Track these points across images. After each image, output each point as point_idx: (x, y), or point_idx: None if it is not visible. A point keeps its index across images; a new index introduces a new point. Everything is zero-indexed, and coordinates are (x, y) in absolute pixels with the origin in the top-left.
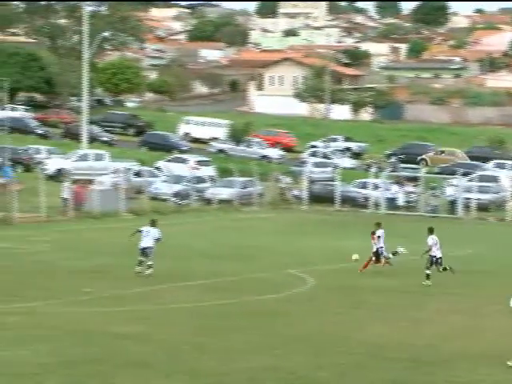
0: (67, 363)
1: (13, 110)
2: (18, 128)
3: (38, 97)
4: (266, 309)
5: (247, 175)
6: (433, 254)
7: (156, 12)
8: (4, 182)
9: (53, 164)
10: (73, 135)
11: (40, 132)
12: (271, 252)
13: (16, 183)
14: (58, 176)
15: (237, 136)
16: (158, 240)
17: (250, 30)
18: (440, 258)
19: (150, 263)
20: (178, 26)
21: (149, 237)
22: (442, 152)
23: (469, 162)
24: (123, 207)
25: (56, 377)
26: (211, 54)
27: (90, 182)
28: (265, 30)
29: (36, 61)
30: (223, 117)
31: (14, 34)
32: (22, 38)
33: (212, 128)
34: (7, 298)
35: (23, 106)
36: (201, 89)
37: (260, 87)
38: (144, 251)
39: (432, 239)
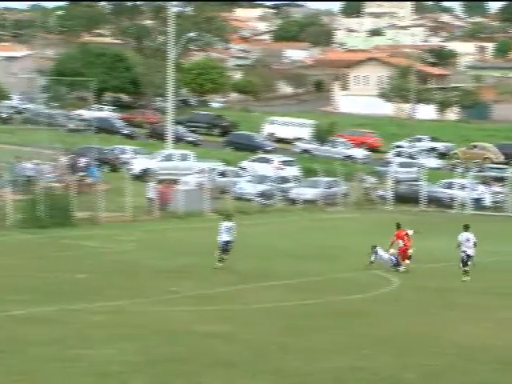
0: (153, 362)
1: (99, 110)
2: (104, 128)
3: (124, 97)
4: (351, 309)
5: (332, 175)
6: (463, 249)
7: (241, 12)
8: (91, 182)
9: (138, 164)
10: (158, 135)
11: (126, 132)
12: (356, 252)
13: (102, 183)
14: (143, 176)
15: (321, 136)
16: (230, 229)
17: (334, 30)
18: (470, 255)
19: (223, 257)
20: (262, 26)
21: (227, 231)
22: (475, 146)
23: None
24: (208, 207)
25: (142, 376)
26: (296, 54)
27: (175, 181)
28: (350, 30)
29: (122, 61)
30: (308, 117)
31: (100, 35)
32: (109, 39)
33: (296, 128)
34: (94, 297)
35: (109, 106)
36: (285, 89)
37: (345, 87)
38: (226, 245)
39: (462, 236)
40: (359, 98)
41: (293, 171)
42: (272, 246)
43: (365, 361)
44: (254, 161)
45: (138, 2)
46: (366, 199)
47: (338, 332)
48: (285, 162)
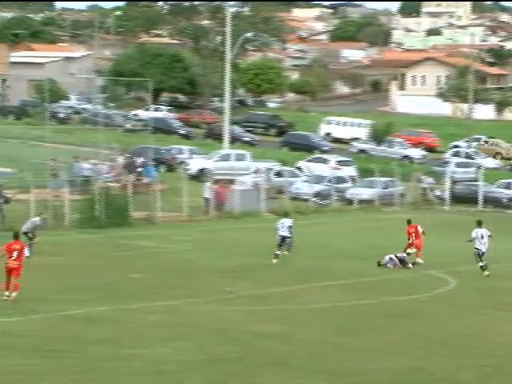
0: (208, 361)
1: (156, 110)
2: (161, 128)
3: (181, 97)
4: (406, 309)
5: (388, 175)
6: (477, 246)
7: (298, 12)
8: (147, 182)
9: (195, 164)
10: (215, 135)
11: (182, 132)
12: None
13: (159, 183)
14: (200, 176)
15: (378, 136)
16: (290, 227)
17: (392, 30)
18: (483, 252)
19: (278, 253)
20: (320, 26)
21: (284, 227)
22: (486, 142)
23: None
24: (264, 207)
25: (197, 375)
26: (353, 54)
27: (232, 181)
28: (408, 30)
29: (179, 62)
30: (364, 117)
31: (158, 36)
32: (166, 39)
33: (353, 128)
34: (151, 296)
35: (166, 107)
36: (342, 89)
37: (402, 87)
38: (284, 240)
39: (476, 232)
40: (417, 97)
41: (349, 171)
42: (328, 246)
43: (420, 361)
44: (310, 161)
45: (195, 3)
46: (423, 199)
47: (393, 332)
48: (341, 162)
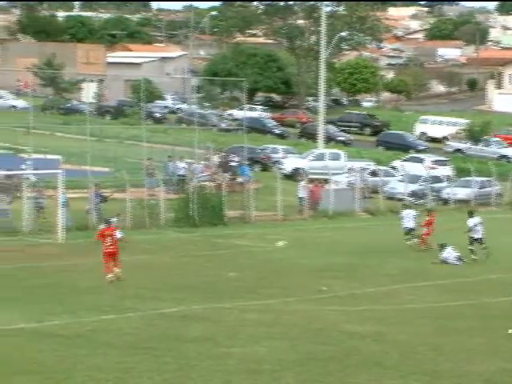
0: (303, 360)
1: (251, 109)
2: (255, 128)
3: (276, 97)
4: (503, 311)
5: (485, 175)
6: (471, 234)
7: (394, 11)
8: (242, 181)
9: (289, 163)
10: (309, 135)
11: (277, 132)
12: (510, 253)
13: (253, 182)
14: (294, 175)
15: (475, 135)
16: (414, 217)
17: (489, 28)
18: (478, 238)
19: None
20: (416, 24)
21: (409, 218)
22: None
23: None
24: (358, 207)
25: (292, 374)
26: (449, 52)
27: (326, 181)
28: (505, 28)
29: (274, 61)
30: (460, 116)
31: (253, 35)
32: (261, 39)
33: (449, 127)
34: (247, 295)
35: (261, 106)
36: (438, 88)
37: (499, 86)
38: (409, 231)
39: (469, 222)
40: None
41: (445, 171)
42: None
43: None
44: (405, 160)
45: (290, 2)
46: None
47: (490, 334)
48: (437, 162)
